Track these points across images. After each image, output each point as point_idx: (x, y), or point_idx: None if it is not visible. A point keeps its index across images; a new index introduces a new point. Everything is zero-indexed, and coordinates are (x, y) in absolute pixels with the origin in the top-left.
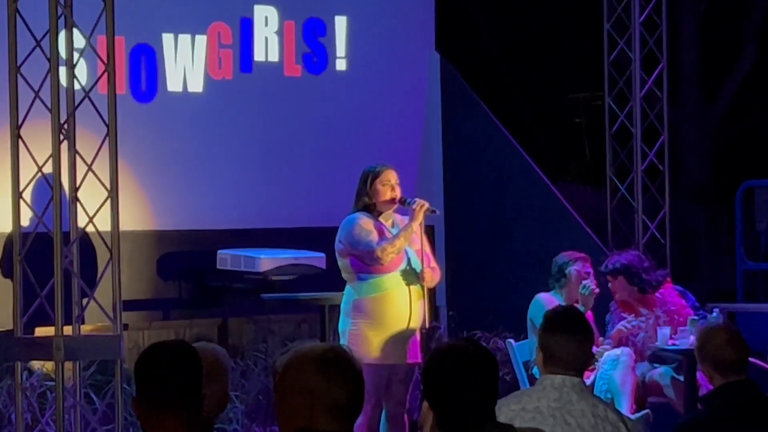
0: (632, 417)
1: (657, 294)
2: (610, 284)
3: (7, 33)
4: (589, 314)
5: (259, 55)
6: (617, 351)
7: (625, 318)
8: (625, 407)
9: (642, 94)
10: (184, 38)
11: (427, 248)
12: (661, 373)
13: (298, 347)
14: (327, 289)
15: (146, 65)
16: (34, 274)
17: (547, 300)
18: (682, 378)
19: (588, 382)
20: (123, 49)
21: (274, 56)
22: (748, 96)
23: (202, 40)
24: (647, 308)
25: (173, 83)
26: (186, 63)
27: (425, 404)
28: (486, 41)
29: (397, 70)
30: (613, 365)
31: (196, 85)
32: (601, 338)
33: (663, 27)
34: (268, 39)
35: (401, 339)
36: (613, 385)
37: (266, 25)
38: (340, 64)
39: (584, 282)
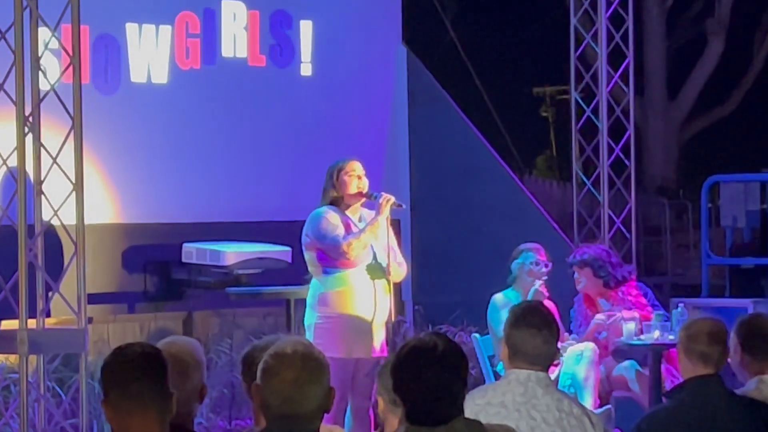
0: (595, 412)
1: (618, 291)
2: (576, 275)
3: None
4: (554, 309)
5: (227, 51)
6: (581, 346)
7: (589, 312)
8: (588, 402)
9: (608, 89)
10: (149, 28)
11: (393, 243)
12: (626, 367)
13: (276, 343)
14: (293, 283)
15: (109, 56)
16: None
17: (501, 301)
18: (647, 372)
19: (552, 377)
20: (87, 39)
21: (242, 52)
22: (714, 91)
23: (166, 30)
24: (609, 302)
25: (137, 74)
26: (150, 54)
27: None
28: (453, 35)
29: (363, 63)
30: (577, 360)
31: (161, 76)
32: (566, 333)
33: (629, 22)
34: (236, 35)
35: (367, 333)
36: (576, 380)
37: (234, 20)
38: (305, 69)
39: (539, 275)
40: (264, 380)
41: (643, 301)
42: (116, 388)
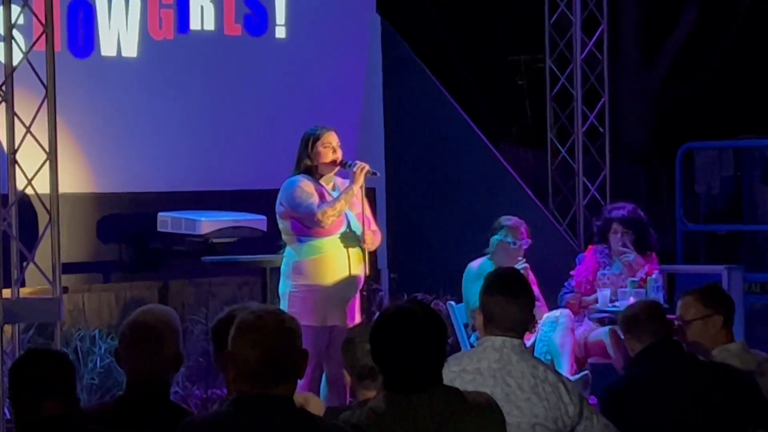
0: (571, 378)
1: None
2: (618, 234)
3: None
4: (531, 278)
5: (195, 24)
6: (556, 313)
7: (599, 264)
8: (565, 368)
9: (582, 56)
10: (118, 0)
11: (368, 211)
12: (605, 332)
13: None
14: (268, 251)
15: (84, 21)
16: None
17: (476, 271)
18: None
19: (528, 344)
20: (58, 5)
21: (209, 25)
22: (688, 58)
23: (136, 2)
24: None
25: (107, 47)
26: (120, 26)
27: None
28: (427, 3)
29: (337, 32)
30: (552, 327)
31: (131, 50)
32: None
33: None
34: (204, 8)
35: (341, 301)
36: (552, 347)
37: None
38: (280, 32)
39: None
40: (236, 340)
41: (652, 271)
42: (27, 393)
